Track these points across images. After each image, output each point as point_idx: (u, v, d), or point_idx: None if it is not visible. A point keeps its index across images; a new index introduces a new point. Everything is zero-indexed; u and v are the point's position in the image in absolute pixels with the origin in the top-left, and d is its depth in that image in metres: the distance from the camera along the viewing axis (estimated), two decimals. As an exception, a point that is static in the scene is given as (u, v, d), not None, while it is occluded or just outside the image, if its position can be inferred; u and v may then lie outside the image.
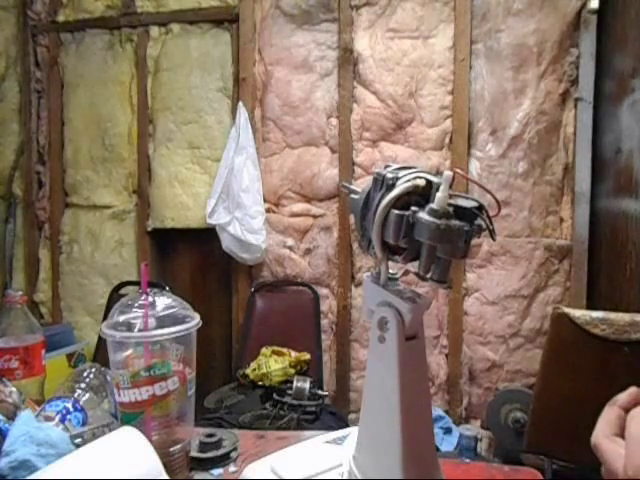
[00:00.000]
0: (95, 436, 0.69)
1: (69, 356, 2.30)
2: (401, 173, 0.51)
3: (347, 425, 1.71)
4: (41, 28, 2.56)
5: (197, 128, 2.40)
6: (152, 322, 0.68)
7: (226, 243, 2.26)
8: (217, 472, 0.74)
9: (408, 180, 0.50)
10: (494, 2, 2.12)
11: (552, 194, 2.12)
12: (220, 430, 0.82)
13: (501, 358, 2.15)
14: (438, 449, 1.92)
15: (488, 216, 0.48)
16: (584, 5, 2.04)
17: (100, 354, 2.20)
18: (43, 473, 0.56)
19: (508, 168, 2.13)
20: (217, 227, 2.26)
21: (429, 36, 2.17)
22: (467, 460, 1.12)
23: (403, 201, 0.49)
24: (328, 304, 2.29)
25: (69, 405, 0.76)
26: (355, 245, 2.24)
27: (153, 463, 0.58)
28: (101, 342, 2.24)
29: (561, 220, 2.14)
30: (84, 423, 0.76)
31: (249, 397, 1.86)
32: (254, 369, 1.93)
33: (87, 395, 0.80)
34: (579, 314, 1.23)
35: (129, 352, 0.68)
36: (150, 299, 0.69)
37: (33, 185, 2.60)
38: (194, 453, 0.75)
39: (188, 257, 2.54)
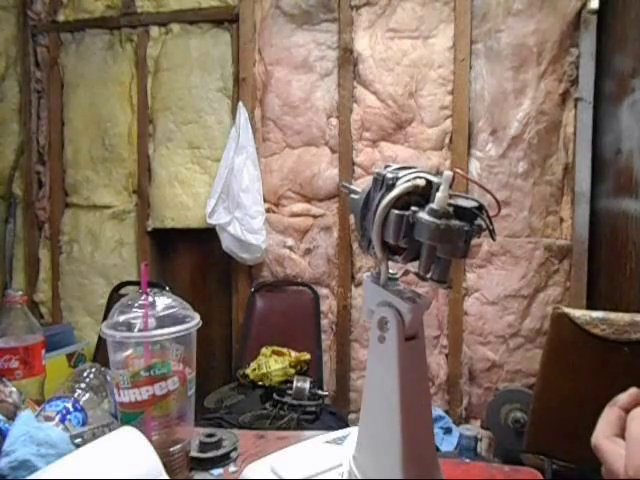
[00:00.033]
0: (95, 436, 0.69)
1: (69, 356, 2.30)
2: (401, 173, 0.51)
3: (347, 425, 1.71)
4: (41, 28, 2.56)
5: (197, 128, 2.40)
6: (152, 322, 0.68)
7: (226, 243, 2.26)
8: (217, 472, 0.74)
9: (408, 180, 0.50)
10: (494, 2, 2.12)
11: (552, 194, 2.12)
12: (220, 430, 0.82)
13: (501, 358, 2.15)
14: (438, 449, 1.91)
15: (488, 216, 0.48)
16: (584, 5, 2.04)
17: (100, 354, 2.20)
18: (43, 473, 0.56)
19: (508, 168, 2.13)
20: (217, 227, 2.26)
21: (429, 36, 2.17)
22: (467, 460, 1.12)
23: (403, 201, 0.49)
24: (328, 304, 2.29)
25: (69, 405, 0.76)
26: (355, 245, 2.24)
27: (153, 463, 0.58)
28: (101, 342, 2.24)
29: (561, 220, 2.14)
30: (84, 423, 0.76)
31: (249, 397, 1.86)
32: (254, 369, 1.93)
33: (87, 395, 0.80)
34: (579, 314, 1.22)
35: (129, 352, 0.68)
36: (150, 299, 0.69)
37: (33, 185, 2.60)
38: (194, 453, 0.75)
39: (188, 257, 2.54)
